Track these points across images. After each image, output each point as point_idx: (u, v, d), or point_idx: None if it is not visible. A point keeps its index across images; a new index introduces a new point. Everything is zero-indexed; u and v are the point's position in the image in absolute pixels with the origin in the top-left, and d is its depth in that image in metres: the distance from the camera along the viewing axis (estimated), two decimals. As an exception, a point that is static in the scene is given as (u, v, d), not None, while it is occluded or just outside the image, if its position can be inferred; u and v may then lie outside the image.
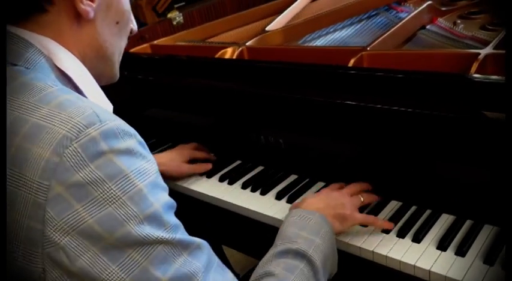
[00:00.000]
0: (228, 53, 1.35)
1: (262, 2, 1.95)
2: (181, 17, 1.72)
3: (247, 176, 1.12)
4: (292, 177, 1.09)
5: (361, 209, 0.90)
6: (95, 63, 0.72)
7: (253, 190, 1.07)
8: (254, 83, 1.09)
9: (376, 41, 1.16)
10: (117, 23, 0.73)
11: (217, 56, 1.32)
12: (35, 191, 0.54)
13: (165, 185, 0.63)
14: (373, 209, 0.93)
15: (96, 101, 0.68)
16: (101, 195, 0.54)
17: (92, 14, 0.67)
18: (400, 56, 1.08)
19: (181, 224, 0.63)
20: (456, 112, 0.80)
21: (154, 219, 0.57)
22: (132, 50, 1.53)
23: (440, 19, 1.38)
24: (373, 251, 0.82)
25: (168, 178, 1.16)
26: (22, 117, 0.57)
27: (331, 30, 1.54)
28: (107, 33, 0.72)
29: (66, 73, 0.66)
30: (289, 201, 1.01)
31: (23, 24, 0.65)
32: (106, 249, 0.54)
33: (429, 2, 1.40)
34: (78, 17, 0.67)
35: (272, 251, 0.75)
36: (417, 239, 0.81)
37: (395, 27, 1.24)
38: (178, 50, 1.51)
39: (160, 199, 0.59)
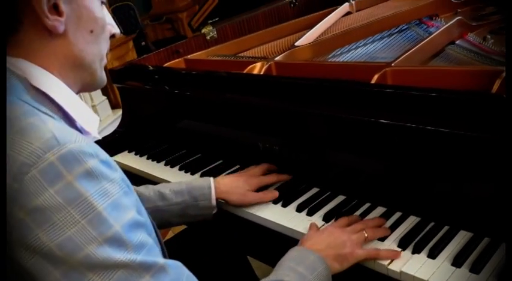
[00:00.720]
0: (257, 68, 1.39)
1: (293, 17, 1.99)
2: (215, 32, 1.78)
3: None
4: (314, 190, 1.11)
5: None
6: (75, 73, 0.73)
7: (274, 202, 1.09)
8: (277, 98, 1.12)
9: (401, 57, 1.17)
10: (91, 31, 0.72)
11: (246, 70, 1.36)
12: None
13: (130, 201, 0.63)
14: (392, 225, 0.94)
15: (77, 113, 0.70)
16: (61, 220, 0.56)
17: (61, 28, 0.67)
18: (423, 72, 1.09)
19: (148, 241, 0.63)
20: (475, 131, 0.80)
21: (114, 241, 0.58)
22: (166, 64, 1.60)
23: (470, 34, 1.38)
24: (387, 267, 0.83)
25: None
26: None
27: (361, 44, 1.55)
28: (82, 43, 0.71)
29: (42, 90, 0.67)
30: (309, 214, 1.02)
31: None
32: (67, 272, 0.56)
33: (459, 17, 1.40)
34: (49, 31, 0.67)
35: (267, 278, 0.78)
36: (432, 255, 0.82)
37: (422, 43, 1.25)
38: (211, 65, 1.57)
39: (122, 219, 0.60)
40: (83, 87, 0.76)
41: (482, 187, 0.85)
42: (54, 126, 0.60)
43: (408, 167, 0.94)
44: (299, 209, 1.04)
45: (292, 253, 0.84)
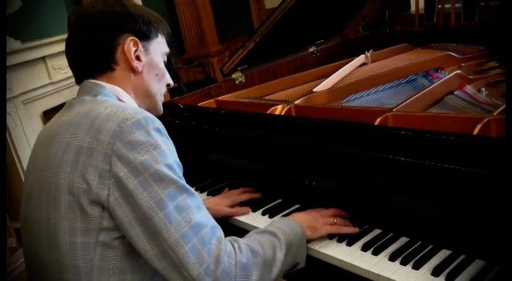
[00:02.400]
0: (278, 109, 1.59)
1: (314, 66, 2.22)
2: (243, 77, 2.01)
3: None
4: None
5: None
6: (143, 99, 1.14)
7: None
8: (293, 135, 1.32)
9: (402, 104, 1.36)
10: (156, 75, 1.14)
11: (269, 111, 1.57)
12: (106, 145, 0.92)
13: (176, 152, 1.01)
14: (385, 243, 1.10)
15: None
16: (142, 149, 0.93)
17: (140, 68, 1.10)
18: (419, 117, 1.27)
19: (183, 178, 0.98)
20: (458, 165, 0.98)
21: (170, 167, 0.95)
22: (199, 104, 1.82)
23: (468, 86, 1.56)
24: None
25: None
26: (101, 111, 0.98)
27: (373, 91, 1.75)
28: (150, 80, 1.13)
29: (124, 102, 1.08)
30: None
31: (100, 77, 1.08)
32: (142, 181, 0.91)
33: (458, 71, 1.59)
34: (132, 70, 1.09)
35: (258, 230, 1.12)
36: (416, 266, 0.98)
37: (421, 92, 1.44)
38: (238, 106, 1.78)
39: (174, 158, 0.98)
40: (147, 110, 1.07)
41: (461, 214, 1.01)
42: (133, 106, 1.05)
43: (388, 194, 1.11)
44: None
45: (279, 219, 1.20)
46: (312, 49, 2.33)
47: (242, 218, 1.35)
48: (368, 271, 1.03)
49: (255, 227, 1.28)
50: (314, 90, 1.75)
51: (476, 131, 1.10)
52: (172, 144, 1.00)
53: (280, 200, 1.39)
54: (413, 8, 5.29)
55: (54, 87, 3.24)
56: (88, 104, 1.02)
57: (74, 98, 1.09)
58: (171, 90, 4.87)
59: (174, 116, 1.75)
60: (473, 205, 0.98)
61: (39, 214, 0.99)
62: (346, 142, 1.19)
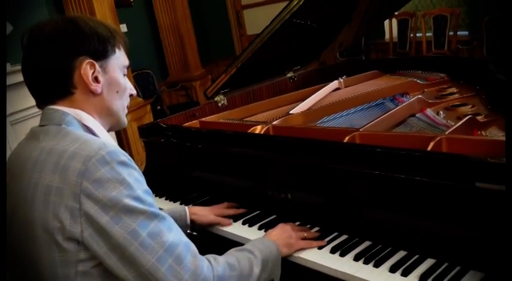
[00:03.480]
0: (258, 129, 1.74)
1: (292, 90, 2.38)
2: (225, 100, 2.16)
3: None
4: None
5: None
6: (107, 117, 1.14)
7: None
8: (270, 151, 1.47)
9: (368, 124, 1.52)
10: (117, 91, 1.14)
11: (249, 131, 1.72)
12: (74, 185, 0.95)
13: (143, 179, 1.04)
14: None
15: (107, 140, 1.09)
16: (109, 186, 0.96)
17: (99, 90, 1.09)
18: (382, 136, 1.43)
19: (154, 202, 1.02)
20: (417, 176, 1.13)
21: (137, 198, 0.98)
22: (185, 125, 1.96)
23: (428, 109, 1.74)
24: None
25: (198, 225, 1.49)
26: (65, 148, 1.00)
27: (345, 113, 1.91)
28: (111, 99, 1.12)
29: (88, 126, 1.09)
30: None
31: (61, 102, 1.08)
32: (113, 217, 0.95)
33: (419, 96, 1.77)
34: (92, 93, 1.09)
35: (236, 248, 1.19)
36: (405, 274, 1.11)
37: (386, 115, 1.60)
38: (221, 126, 1.92)
39: (142, 188, 1.01)
40: (112, 127, 1.18)
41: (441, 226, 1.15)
42: (100, 139, 1.06)
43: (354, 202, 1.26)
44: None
45: (257, 239, 1.26)
46: (289, 74, 2.50)
47: (225, 228, 1.47)
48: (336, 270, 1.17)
49: (236, 236, 1.41)
50: (290, 112, 1.91)
51: (429, 147, 1.26)
52: (139, 172, 1.03)
53: (259, 212, 1.52)
54: (387, 36, 5.60)
55: (41, 109, 3.34)
56: (52, 139, 1.03)
57: (38, 126, 1.10)
58: (154, 113, 4.99)
59: (159, 136, 1.88)
60: (429, 210, 1.13)
61: (20, 248, 1.04)
62: (318, 157, 1.34)
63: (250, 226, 1.45)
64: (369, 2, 2.30)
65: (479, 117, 1.56)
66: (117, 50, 1.13)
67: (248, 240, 1.33)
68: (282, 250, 1.24)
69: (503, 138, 1.31)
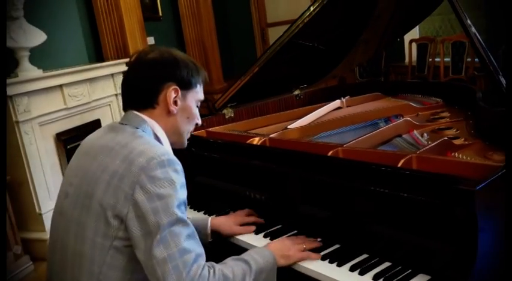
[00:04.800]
0: (255, 140, 1.90)
1: (297, 107, 2.54)
2: (232, 113, 2.33)
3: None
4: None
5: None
6: (172, 135, 1.36)
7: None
8: (263, 160, 1.63)
9: (353, 141, 1.66)
10: (188, 118, 1.38)
11: (247, 142, 1.88)
12: (134, 175, 1.16)
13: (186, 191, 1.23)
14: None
15: (169, 150, 1.30)
16: (164, 180, 1.17)
17: (175, 111, 1.33)
18: (361, 152, 1.57)
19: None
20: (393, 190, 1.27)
21: (178, 204, 1.17)
22: (194, 133, 2.13)
23: (415, 131, 1.86)
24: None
25: (224, 236, 1.59)
26: (137, 146, 1.22)
27: (340, 131, 2.06)
28: (181, 122, 1.36)
29: (158, 136, 1.32)
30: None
31: (143, 111, 1.32)
32: (156, 207, 1.15)
33: (406, 118, 1.90)
34: (169, 112, 1.33)
35: (234, 257, 1.29)
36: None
37: (371, 133, 1.74)
38: (225, 136, 2.09)
39: (184, 195, 1.21)
40: (173, 144, 1.39)
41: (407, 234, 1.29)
42: (166, 148, 1.28)
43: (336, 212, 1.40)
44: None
45: (255, 249, 1.36)
46: (296, 92, 2.65)
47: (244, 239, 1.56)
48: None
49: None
50: (288, 127, 2.06)
51: (399, 164, 1.39)
52: (184, 182, 1.22)
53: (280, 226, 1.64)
54: (407, 59, 5.70)
55: (67, 113, 3.58)
56: (128, 136, 1.26)
57: (119, 122, 1.33)
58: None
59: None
60: (391, 220, 1.27)
61: (73, 211, 1.25)
62: (301, 168, 1.49)
63: (271, 239, 1.50)
64: (383, 22, 2.43)
65: (457, 140, 1.68)
66: (198, 86, 1.38)
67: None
68: (279, 261, 1.33)
69: (474, 161, 1.44)
